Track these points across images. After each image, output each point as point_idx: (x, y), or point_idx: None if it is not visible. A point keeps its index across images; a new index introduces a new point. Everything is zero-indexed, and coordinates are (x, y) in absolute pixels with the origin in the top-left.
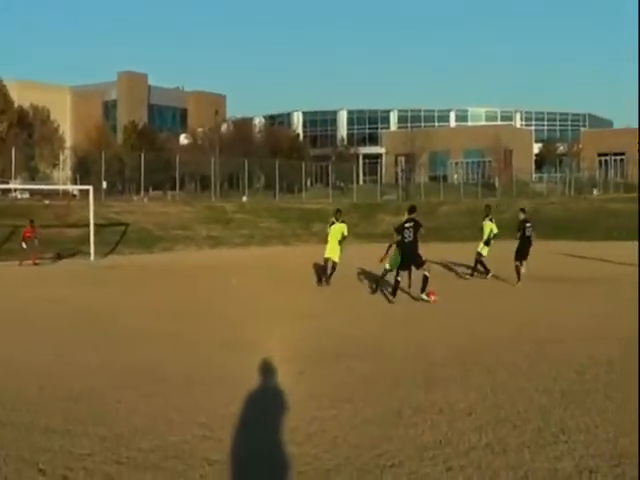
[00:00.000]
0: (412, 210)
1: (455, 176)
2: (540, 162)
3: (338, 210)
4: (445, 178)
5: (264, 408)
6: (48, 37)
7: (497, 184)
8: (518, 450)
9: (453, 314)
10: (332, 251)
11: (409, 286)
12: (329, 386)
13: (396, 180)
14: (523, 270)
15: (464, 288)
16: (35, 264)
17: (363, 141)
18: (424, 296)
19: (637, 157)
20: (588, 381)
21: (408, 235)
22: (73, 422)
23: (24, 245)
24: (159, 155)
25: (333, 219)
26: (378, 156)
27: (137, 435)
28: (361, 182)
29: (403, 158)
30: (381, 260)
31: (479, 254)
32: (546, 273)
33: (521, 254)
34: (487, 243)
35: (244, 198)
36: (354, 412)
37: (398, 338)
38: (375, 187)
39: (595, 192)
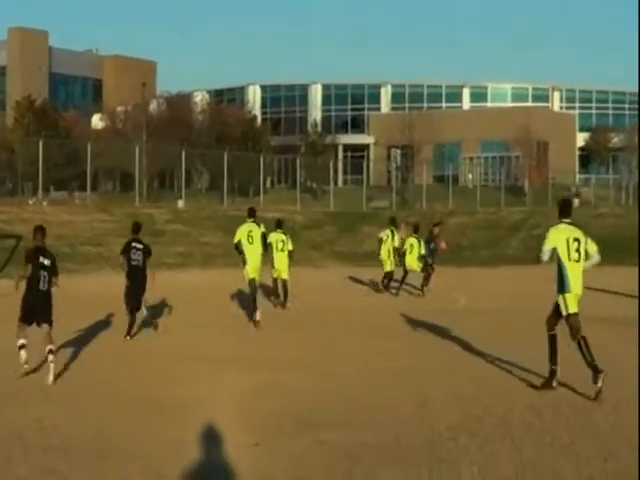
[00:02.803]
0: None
1: (469, 176)
2: (587, 159)
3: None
4: (456, 179)
5: None
6: None
7: (527, 188)
8: None
9: (455, 356)
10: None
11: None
12: (291, 464)
13: (388, 181)
14: None
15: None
16: None
17: (344, 127)
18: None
19: None
20: None
21: None
22: None
23: None
24: (64, 142)
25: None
26: (364, 148)
27: None
28: (340, 183)
29: (398, 151)
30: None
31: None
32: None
33: None
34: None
35: (180, 203)
36: None
37: (388, 396)
38: (360, 190)
39: None
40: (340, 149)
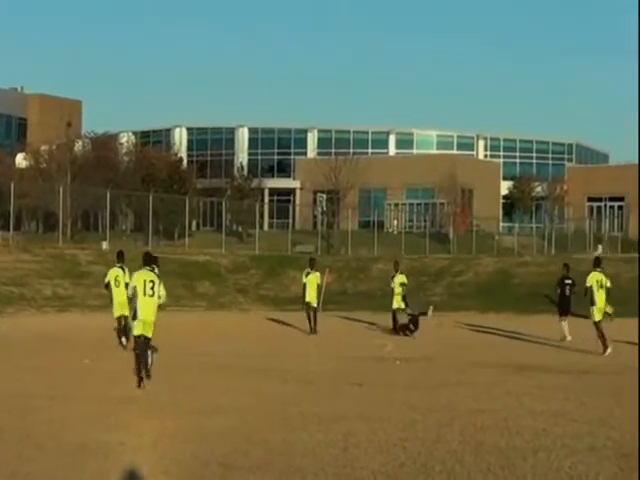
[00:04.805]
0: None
1: (395, 223)
2: (510, 207)
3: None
4: (381, 225)
5: None
6: None
7: (452, 235)
8: None
9: (382, 401)
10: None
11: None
12: None
13: (314, 225)
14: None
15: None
16: None
17: (270, 171)
18: None
19: (638, 202)
20: None
21: None
22: None
23: None
24: None
25: (308, 269)
26: (290, 192)
27: None
28: (266, 227)
29: (324, 196)
30: None
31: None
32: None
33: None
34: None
35: (104, 244)
36: None
37: (311, 441)
38: (285, 234)
39: (599, 249)
40: (266, 193)
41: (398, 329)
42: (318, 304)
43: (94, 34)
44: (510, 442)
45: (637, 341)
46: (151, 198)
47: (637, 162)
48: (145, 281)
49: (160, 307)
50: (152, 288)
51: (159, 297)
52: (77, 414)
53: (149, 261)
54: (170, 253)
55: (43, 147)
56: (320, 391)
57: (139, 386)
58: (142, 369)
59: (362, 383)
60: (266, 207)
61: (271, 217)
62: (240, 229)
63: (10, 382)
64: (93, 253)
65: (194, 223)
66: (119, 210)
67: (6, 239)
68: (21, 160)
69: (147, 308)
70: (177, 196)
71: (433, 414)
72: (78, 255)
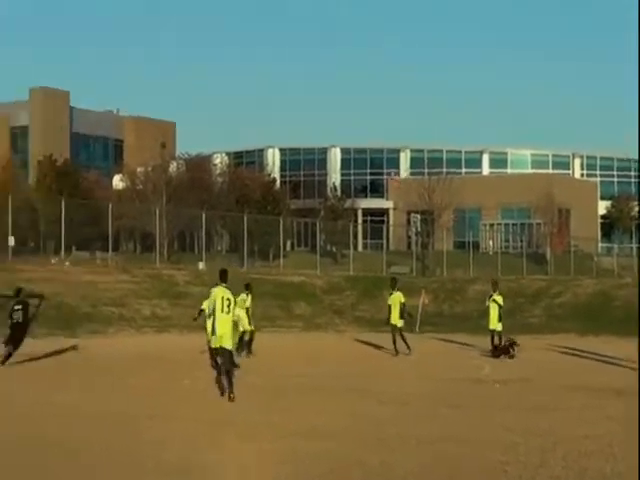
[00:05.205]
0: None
1: (490, 243)
2: (609, 227)
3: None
4: (476, 245)
5: None
6: None
7: (549, 256)
8: None
9: (483, 425)
10: (395, 318)
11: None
12: None
13: (408, 246)
14: None
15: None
16: None
17: (363, 191)
18: None
19: None
20: None
21: None
22: None
23: None
24: (86, 203)
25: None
26: (383, 212)
27: None
28: (360, 247)
29: (418, 216)
30: None
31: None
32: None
33: None
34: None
35: (201, 264)
36: None
37: (409, 463)
38: (379, 255)
39: None
40: (359, 213)
41: (498, 351)
42: (414, 324)
43: (187, 57)
44: (615, 468)
45: None
46: (245, 219)
47: None
48: (223, 298)
49: (256, 327)
50: (228, 306)
51: (234, 315)
52: (176, 434)
53: (225, 278)
54: (265, 274)
55: (139, 169)
56: (417, 413)
57: (222, 394)
58: (224, 379)
59: (460, 405)
60: (360, 227)
61: (365, 238)
62: (334, 250)
63: (111, 402)
64: (190, 274)
65: (288, 243)
66: (214, 231)
67: (105, 260)
68: (118, 182)
69: (224, 325)
70: (271, 217)
71: (534, 438)
72: (175, 275)
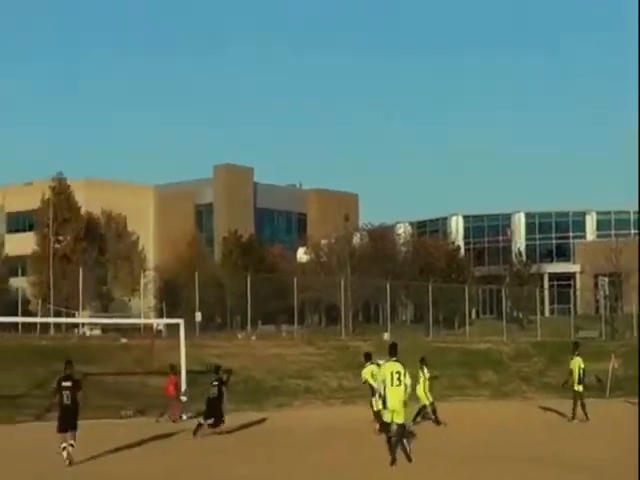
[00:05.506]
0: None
1: None
2: None
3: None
4: None
5: None
6: (122, 124)
7: None
8: None
9: None
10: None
11: None
12: None
13: (596, 310)
14: None
15: None
16: (174, 421)
17: (549, 256)
18: None
19: None
20: None
21: None
22: None
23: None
24: (271, 277)
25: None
26: (570, 276)
27: None
28: (547, 312)
29: (606, 279)
30: None
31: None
32: None
33: None
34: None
35: (386, 335)
36: None
37: None
38: (566, 319)
39: None
40: (546, 278)
41: None
42: (604, 389)
43: (366, 129)
44: None
45: None
46: (430, 288)
47: None
48: (392, 372)
49: (442, 397)
50: (398, 379)
51: (405, 386)
52: None
53: (394, 352)
54: (451, 342)
55: (323, 241)
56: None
57: (392, 464)
58: (395, 451)
59: None
60: (546, 292)
61: (551, 302)
62: (520, 315)
63: (292, 476)
64: (375, 344)
65: (473, 311)
66: (399, 301)
67: (291, 333)
68: (302, 255)
69: (395, 397)
70: (455, 285)
71: None
72: (361, 347)
